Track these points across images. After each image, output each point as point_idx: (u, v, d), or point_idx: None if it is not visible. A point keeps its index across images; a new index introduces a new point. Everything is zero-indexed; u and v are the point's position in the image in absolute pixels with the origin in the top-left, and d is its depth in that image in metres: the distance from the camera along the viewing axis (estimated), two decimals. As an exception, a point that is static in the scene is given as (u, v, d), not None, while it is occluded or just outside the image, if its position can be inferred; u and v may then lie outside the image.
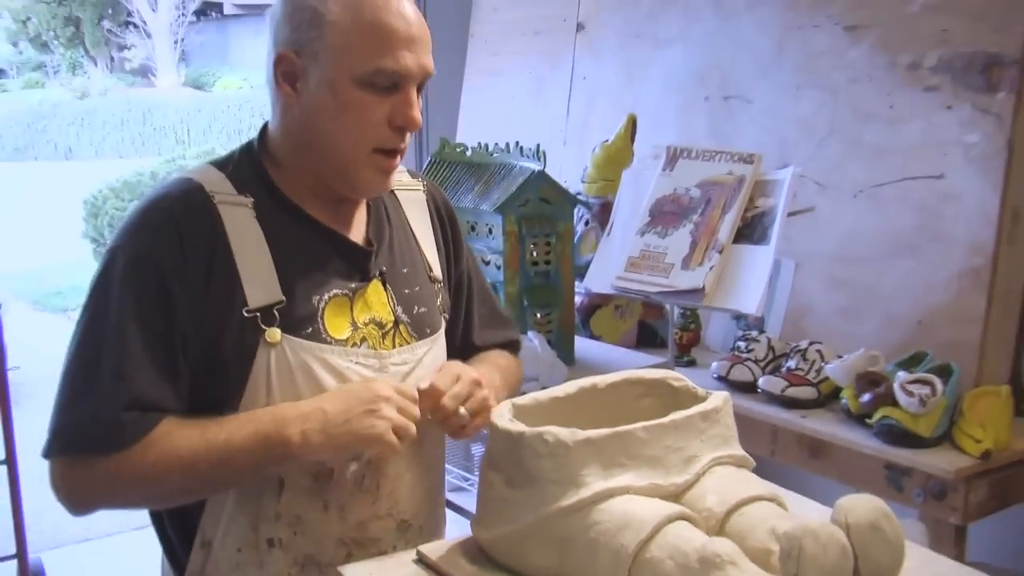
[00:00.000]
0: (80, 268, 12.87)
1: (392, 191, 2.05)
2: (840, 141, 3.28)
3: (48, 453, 1.71)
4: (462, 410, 1.84)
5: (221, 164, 1.89)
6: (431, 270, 2.06)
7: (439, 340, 2.02)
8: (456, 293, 2.15)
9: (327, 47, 1.78)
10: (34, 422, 7.51)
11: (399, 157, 1.86)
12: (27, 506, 4.39)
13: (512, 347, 2.28)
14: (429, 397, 1.84)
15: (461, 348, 2.14)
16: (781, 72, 3.48)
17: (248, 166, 1.89)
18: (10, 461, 4.30)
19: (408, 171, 2.15)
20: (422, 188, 2.14)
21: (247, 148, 1.93)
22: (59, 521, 6.22)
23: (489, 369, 2.06)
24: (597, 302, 3.37)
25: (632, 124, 3.53)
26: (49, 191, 18.34)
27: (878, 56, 3.20)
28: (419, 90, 1.84)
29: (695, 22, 3.80)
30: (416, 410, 1.79)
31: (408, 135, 1.84)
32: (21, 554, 4.28)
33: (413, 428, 1.77)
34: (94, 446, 1.68)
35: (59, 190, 17.48)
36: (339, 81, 1.78)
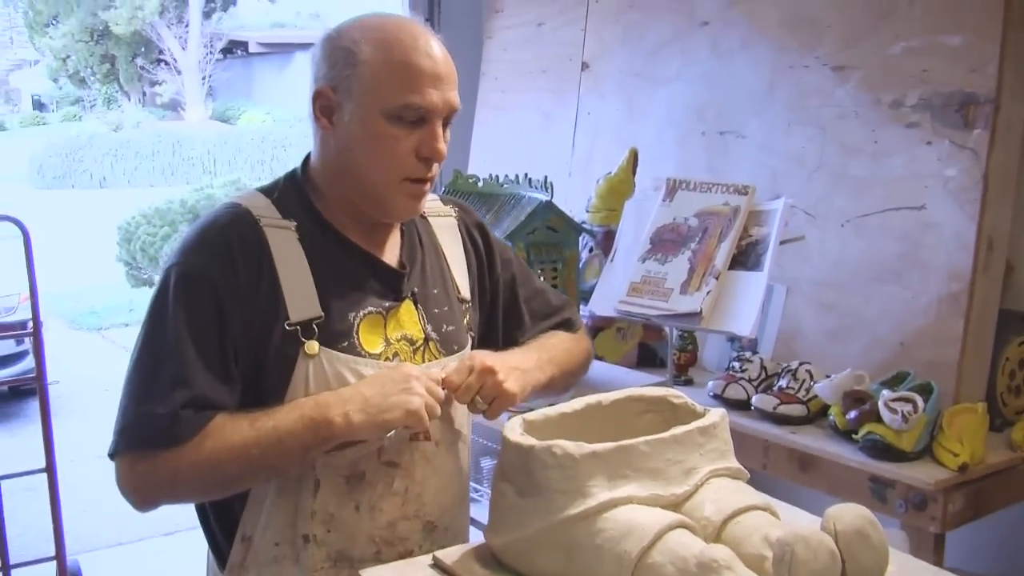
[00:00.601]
0: (114, 289, 12.93)
1: (425, 217, 2.12)
2: (828, 174, 3.29)
3: (114, 452, 1.77)
4: (478, 400, 1.89)
5: (267, 191, 1.96)
6: (460, 292, 2.10)
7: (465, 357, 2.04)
8: (493, 299, 2.20)
9: (359, 84, 1.84)
10: (70, 434, 7.62)
11: (429, 184, 1.91)
12: (65, 511, 4.42)
13: (567, 325, 2.31)
14: (445, 389, 1.89)
15: (515, 343, 2.17)
16: (773, 109, 3.49)
17: (292, 193, 1.95)
18: (50, 469, 4.34)
19: (441, 198, 2.21)
20: (454, 214, 2.19)
21: (291, 176, 1.99)
22: (94, 526, 6.26)
23: (523, 351, 2.10)
24: (600, 324, 3.37)
25: (634, 157, 3.54)
26: (85, 217, 18.39)
27: (863, 95, 3.21)
28: (446, 123, 1.90)
29: (692, 62, 3.82)
30: (440, 391, 1.84)
31: (436, 165, 1.89)
32: (60, 556, 4.32)
33: (438, 408, 1.82)
34: (155, 442, 1.74)
35: (94, 216, 17.55)
36: (370, 115, 1.84)
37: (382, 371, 1.84)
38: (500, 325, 2.22)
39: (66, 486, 4.56)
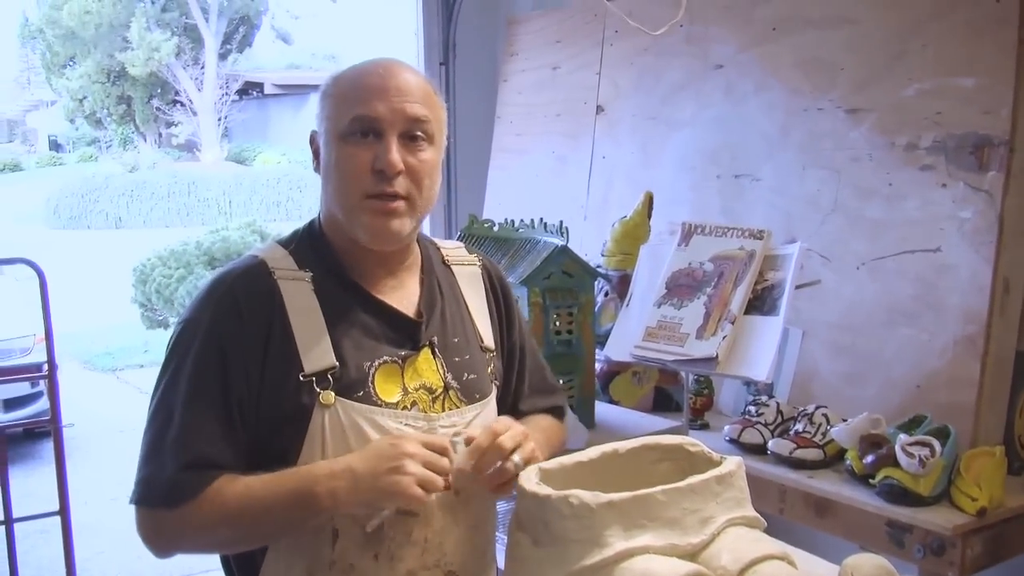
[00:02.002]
0: (128, 331, 12.95)
1: (448, 265, 2.11)
2: (843, 217, 3.30)
3: (130, 500, 1.81)
4: (516, 456, 1.84)
5: (286, 242, 1.97)
6: (482, 340, 2.08)
7: (489, 405, 2.03)
8: (508, 361, 2.17)
9: (325, 117, 1.90)
10: (85, 475, 7.61)
11: (400, 202, 1.87)
12: (79, 554, 4.43)
13: (557, 412, 2.29)
14: (487, 436, 1.84)
15: (509, 413, 2.13)
16: (787, 152, 3.50)
17: (309, 242, 1.97)
18: (63, 512, 4.35)
19: (465, 247, 2.20)
20: (478, 264, 2.17)
21: (308, 227, 2.01)
22: (109, 568, 6.24)
23: (532, 429, 2.05)
24: (616, 369, 3.37)
25: (649, 201, 3.55)
26: (101, 258, 18.45)
27: (877, 137, 3.22)
28: (415, 137, 1.88)
29: (706, 106, 3.84)
30: (444, 462, 1.79)
31: (403, 180, 1.86)
32: (73, 598, 4.31)
33: (439, 480, 1.77)
34: (157, 502, 1.77)
35: (110, 257, 17.60)
36: (330, 142, 1.88)
37: (379, 442, 1.81)
38: (508, 388, 2.20)
39: (80, 528, 4.57)
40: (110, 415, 9.75)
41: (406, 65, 1.94)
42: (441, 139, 1.95)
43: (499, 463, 1.83)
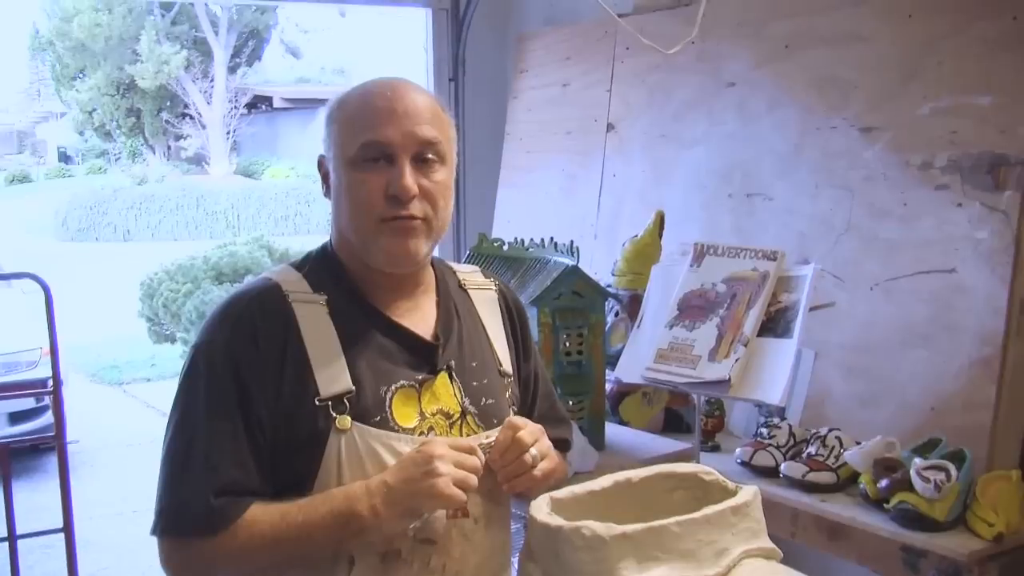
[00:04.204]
0: (135, 344, 12.95)
1: (464, 289, 2.09)
2: (856, 237, 3.28)
3: (154, 532, 1.78)
4: (532, 450, 1.84)
5: (299, 265, 1.95)
6: (501, 364, 2.06)
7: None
8: (523, 388, 2.15)
9: (334, 142, 1.88)
10: (90, 490, 7.58)
11: (418, 221, 1.85)
12: (83, 569, 4.41)
13: (562, 445, 2.25)
14: (507, 429, 1.85)
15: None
16: (800, 171, 3.48)
17: (323, 265, 1.95)
18: (67, 529, 4.32)
19: (482, 271, 2.18)
20: (494, 287, 2.15)
21: (322, 250, 1.99)
22: (111, 587, 6.22)
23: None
24: (626, 390, 3.35)
25: (660, 220, 3.52)
26: (108, 270, 18.47)
27: (891, 156, 3.20)
28: (427, 159, 1.86)
29: (718, 124, 3.81)
30: (474, 460, 1.79)
31: (419, 203, 1.84)
32: (77, 618, 4.28)
33: (473, 478, 1.77)
34: (189, 531, 1.75)
35: (117, 269, 17.61)
36: (341, 167, 1.86)
37: (406, 455, 1.79)
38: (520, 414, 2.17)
39: (85, 544, 4.54)
40: (116, 429, 9.74)
41: (412, 84, 1.92)
42: (452, 157, 1.93)
43: (517, 456, 1.84)
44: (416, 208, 1.83)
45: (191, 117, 29.24)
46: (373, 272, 1.91)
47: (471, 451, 1.79)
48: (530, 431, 1.85)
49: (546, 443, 1.89)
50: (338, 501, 1.74)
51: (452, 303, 2.03)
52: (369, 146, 1.82)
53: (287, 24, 32.85)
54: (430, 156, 1.85)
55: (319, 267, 1.94)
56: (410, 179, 1.82)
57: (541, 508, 1.60)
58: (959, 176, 3.01)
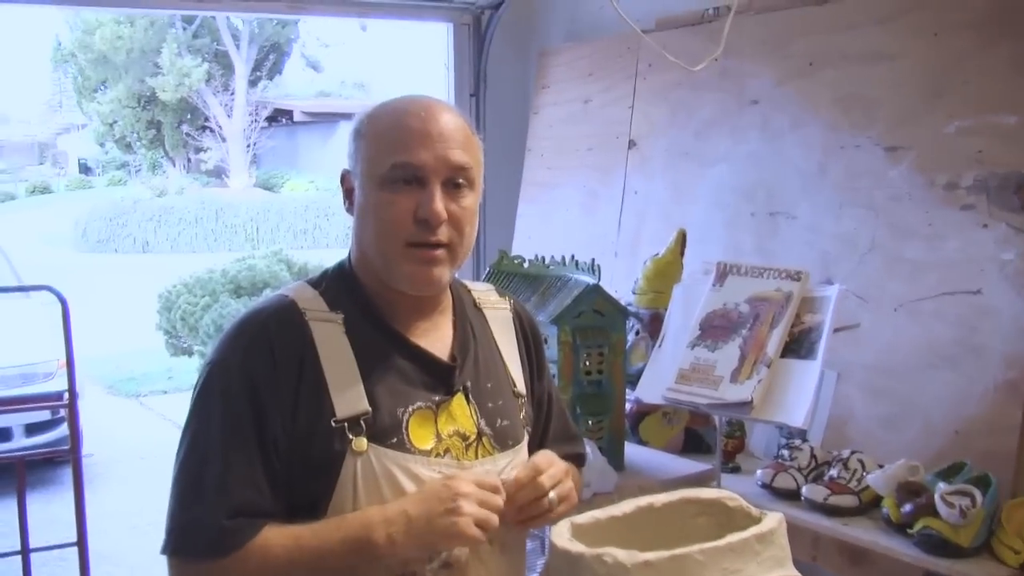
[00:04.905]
0: (152, 356, 12.96)
1: (479, 308, 2.07)
2: (880, 257, 3.25)
3: (164, 551, 1.75)
4: (552, 494, 1.82)
5: (315, 282, 1.92)
6: (515, 385, 2.04)
7: (521, 451, 1.99)
8: (536, 408, 2.13)
9: (361, 158, 1.85)
10: (103, 502, 7.58)
11: (442, 251, 1.84)
12: (95, 584, 4.39)
13: (577, 460, 2.24)
14: (529, 471, 1.83)
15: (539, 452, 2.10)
16: (824, 190, 3.45)
17: (340, 283, 1.92)
18: (81, 543, 4.31)
19: (496, 290, 2.16)
20: (509, 307, 2.13)
21: (339, 267, 1.96)
22: (125, 601, 6.21)
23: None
24: (646, 409, 3.32)
25: (682, 238, 3.50)
26: (127, 282, 18.52)
27: (917, 176, 3.17)
28: (457, 185, 1.84)
29: (741, 142, 3.79)
30: (498, 500, 1.77)
31: (446, 229, 1.82)
32: (91, 630, 4.27)
33: (495, 519, 1.74)
34: (200, 552, 1.72)
35: (136, 281, 17.66)
36: (368, 185, 1.83)
37: (432, 484, 1.77)
38: (534, 434, 2.15)
39: (98, 557, 4.53)
40: (132, 441, 9.74)
41: (444, 104, 1.90)
42: (480, 182, 1.91)
43: (535, 498, 1.82)
44: (443, 234, 1.82)
45: (211, 130, 29.40)
46: (392, 292, 1.88)
47: (495, 490, 1.77)
48: (551, 475, 1.84)
49: (567, 486, 1.87)
50: (353, 528, 1.72)
51: (468, 323, 2.01)
52: (400, 167, 1.79)
53: (308, 38, 33.00)
54: (460, 181, 1.84)
55: (336, 285, 1.91)
56: (440, 204, 1.80)
57: (562, 534, 1.57)
58: (985, 196, 2.98)
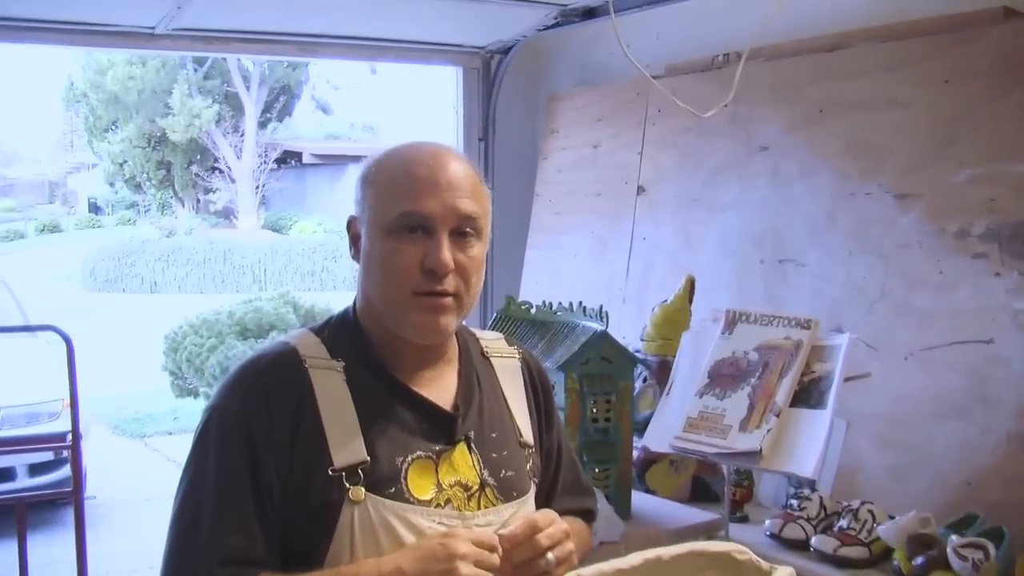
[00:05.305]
0: (158, 397, 12.93)
1: (487, 357, 2.05)
2: (891, 305, 3.23)
3: None
4: (550, 555, 1.79)
5: (318, 330, 1.92)
6: (521, 435, 2.01)
7: (527, 503, 1.96)
8: (546, 459, 2.10)
9: (369, 206, 1.84)
10: (107, 544, 7.54)
11: (449, 299, 1.82)
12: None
13: (587, 516, 2.22)
14: (526, 530, 1.79)
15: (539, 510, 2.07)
16: (833, 237, 3.44)
17: (342, 331, 1.91)
18: (81, 585, 4.28)
19: (505, 339, 2.14)
20: (517, 356, 2.11)
21: (343, 315, 1.95)
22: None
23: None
24: (653, 457, 3.29)
25: (691, 285, 3.48)
26: (134, 322, 18.52)
27: (927, 224, 3.16)
28: (465, 234, 1.83)
29: (750, 189, 3.78)
30: (495, 559, 1.74)
31: (452, 278, 1.81)
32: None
33: None
34: None
35: (143, 321, 17.66)
36: (375, 233, 1.82)
37: (429, 541, 1.75)
38: (542, 486, 2.12)
39: (99, 602, 4.48)
40: (137, 482, 9.70)
41: (453, 152, 1.89)
42: (488, 231, 1.90)
43: (531, 557, 1.79)
44: (450, 284, 1.81)
45: (220, 171, 29.53)
46: (396, 340, 1.87)
47: (493, 549, 1.75)
48: (550, 534, 1.81)
49: (567, 548, 1.84)
50: None
51: (474, 372, 1.99)
52: (408, 216, 1.79)
53: (318, 80, 33.15)
54: (468, 230, 1.83)
55: (339, 332, 1.90)
56: (447, 254, 1.79)
57: (567, 587, 1.55)
58: (997, 244, 2.97)
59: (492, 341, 2.09)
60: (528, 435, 2.03)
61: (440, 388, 1.91)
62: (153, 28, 4.09)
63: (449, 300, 1.82)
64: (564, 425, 2.56)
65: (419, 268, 1.79)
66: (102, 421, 12.04)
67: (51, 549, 7.01)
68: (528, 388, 2.08)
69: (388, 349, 1.88)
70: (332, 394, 1.80)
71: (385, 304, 1.84)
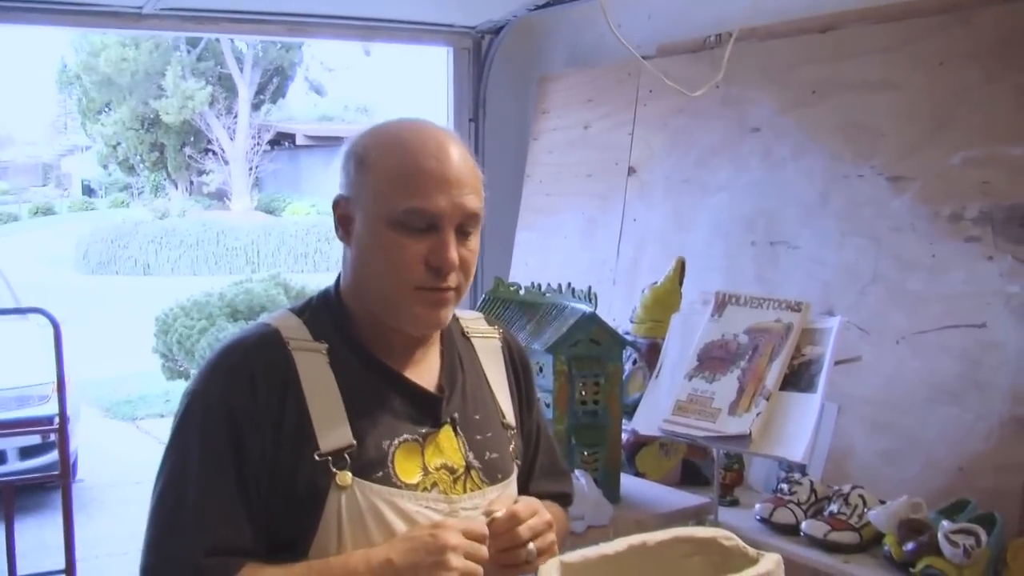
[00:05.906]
0: (149, 379, 12.93)
1: (468, 337, 2.02)
2: (883, 288, 3.21)
3: None
4: (531, 545, 1.77)
5: (299, 311, 1.87)
6: (504, 417, 1.99)
7: (511, 485, 1.94)
8: (526, 441, 2.08)
9: (367, 192, 1.78)
10: (99, 526, 7.52)
11: (451, 293, 1.80)
12: (85, 612, 4.34)
13: (563, 500, 2.19)
14: (506, 521, 1.77)
15: (517, 493, 2.05)
16: (825, 220, 3.42)
17: (324, 312, 1.87)
18: (69, 571, 4.26)
19: (485, 318, 2.11)
20: (498, 336, 2.08)
21: (324, 294, 1.91)
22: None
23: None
24: (642, 440, 3.27)
25: (681, 267, 3.45)
26: (127, 304, 18.50)
27: (920, 206, 3.14)
28: (467, 230, 1.80)
29: (743, 170, 3.75)
30: (484, 551, 1.71)
31: (457, 273, 1.78)
32: (77, 661, 4.22)
33: (481, 571, 1.69)
34: None
35: (136, 303, 17.65)
36: (377, 223, 1.76)
37: (419, 531, 1.72)
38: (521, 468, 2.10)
39: (87, 587, 4.46)
40: (128, 465, 9.68)
41: (454, 139, 1.83)
42: (482, 219, 1.86)
43: (512, 547, 1.78)
44: (453, 279, 1.78)
45: (214, 153, 29.53)
46: (383, 325, 1.83)
47: (483, 540, 1.72)
48: (531, 525, 1.79)
49: (549, 539, 1.82)
50: (333, 572, 1.68)
51: (456, 353, 1.97)
52: (417, 213, 1.74)
53: (312, 62, 33.12)
54: (470, 227, 1.80)
55: (320, 313, 1.86)
56: (454, 252, 1.76)
57: (551, 572, 1.52)
58: (990, 228, 2.95)
59: (472, 321, 2.06)
60: (510, 416, 2.00)
61: (423, 370, 1.88)
62: (141, 8, 4.05)
63: (451, 294, 1.80)
64: (553, 407, 2.53)
65: (423, 263, 1.75)
66: (94, 404, 12.01)
67: (42, 532, 6.98)
68: (509, 369, 2.06)
69: (372, 331, 1.84)
70: (316, 377, 1.76)
71: (384, 295, 1.80)
